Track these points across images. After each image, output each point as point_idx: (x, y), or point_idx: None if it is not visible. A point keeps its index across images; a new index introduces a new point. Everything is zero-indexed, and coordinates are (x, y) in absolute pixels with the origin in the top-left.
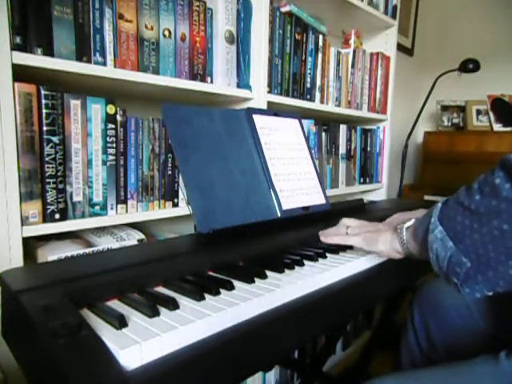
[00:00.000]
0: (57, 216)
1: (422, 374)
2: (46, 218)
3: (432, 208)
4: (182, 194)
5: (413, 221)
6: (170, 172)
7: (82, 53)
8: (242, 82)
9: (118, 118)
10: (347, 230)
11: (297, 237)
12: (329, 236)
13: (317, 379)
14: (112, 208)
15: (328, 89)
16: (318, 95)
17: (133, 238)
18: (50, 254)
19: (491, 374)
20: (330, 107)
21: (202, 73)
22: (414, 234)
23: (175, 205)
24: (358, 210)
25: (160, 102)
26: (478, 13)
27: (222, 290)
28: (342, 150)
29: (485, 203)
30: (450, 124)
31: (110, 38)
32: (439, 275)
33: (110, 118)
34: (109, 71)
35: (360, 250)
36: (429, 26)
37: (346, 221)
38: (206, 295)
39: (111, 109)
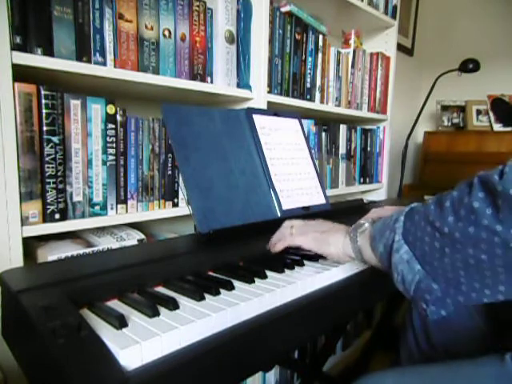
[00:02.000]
0: (57, 216)
1: (423, 370)
2: (46, 218)
3: (392, 218)
4: (182, 194)
5: (366, 225)
6: (170, 172)
7: (82, 53)
8: (242, 81)
9: (118, 117)
10: (291, 231)
11: None
12: (273, 243)
13: (317, 379)
14: (112, 208)
15: (328, 89)
16: (317, 95)
17: (133, 238)
18: (50, 254)
19: (496, 375)
20: (329, 107)
21: (202, 73)
22: (371, 244)
23: (175, 205)
24: (358, 210)
25: (160, 102)
26: (478, 13)
27: (222, 290)
28: (342, 150)
29: (460, 228)
30: (450, 124)
31: (110, 38)
32: (403, 294)
33: (110, 118)
34: (109, 71)
35: None
36: (429, 26)
37: (288, 222)
38: (206, 295)
39: (111, 109)
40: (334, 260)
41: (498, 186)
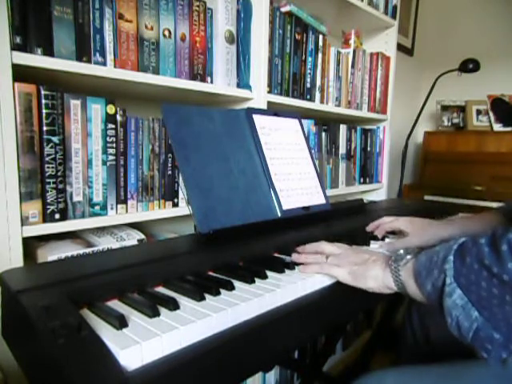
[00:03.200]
0: (57, 216)
1: (424, 370)
2: (46, 217)
3: (439, 256)
4: (182, 194)
5: (408, 257)
6: (170, 172)
7: (82, 53)
8: (242, 81)
9: (118, 117)
10: (328, 260)
11: (297, 237)
12: (307, 263)
13: (317, 379)
14: (112, 208)
15: (328, 89)
16: (317, 95)
17: (133, 238)
18: (50, 254)
19: (496, 376)
20: (330, 107)
21: (202, 73)
22: (416, 280)
23: (175, 205)
24: (358, 210)
25: (160, 102)
26: (478, 13)
27: (222, 290)
28: (342, 150)
29: None
30: (450, 124)
31: (110, 38)
32: (461, 340)
33: (110, 118)
34: (109, 71)
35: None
36: (429, 26)
37: (325, 246)
38: (207, 295)
39: (111, 109)
40: (373, 291)
41: None
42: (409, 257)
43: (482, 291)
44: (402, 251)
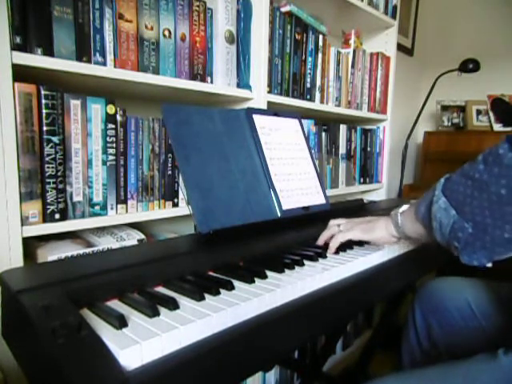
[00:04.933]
0: (57, 216)
1: (422, 373)
2: (46, 218)
3: (435, 184)
4: (182, 194)
5: (407, 206)
6: (170, 172)
7: (82, 53)
8: (242, 81)
9: (118, 117)
10: (340, 228)
11: (297, 237)
12: (323, 240)
13: (317, 379)
14: (112, 208)
15: (328, 89)
16: (317, 95)
17: (133, 238)
18: (50, 254)
19: (490, 370)
20: (330, 107)
21: (202, 73)
22: (412, 217)
23: (175, 205)
24: (358, 209)
25: (160, 102)
26: (478, 13)
27: (222, 290)
28: (342, 150)
29: (487, 171)
30: (449, 124)
31: (110, 38)
32: (441, 243)
33: (110, 118)
34: (109, 71)
35: (360, 251)
36: (429, 26)
37: (334, 221)
38: (206, 295)
39: (111, 109)
40: (380, 244)
41: None
42: (406, 206)
43: (459, 195)
44: (402, 205)
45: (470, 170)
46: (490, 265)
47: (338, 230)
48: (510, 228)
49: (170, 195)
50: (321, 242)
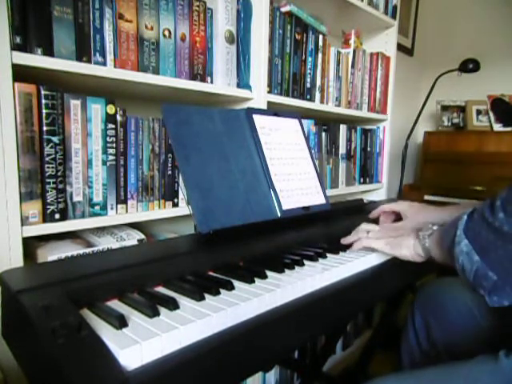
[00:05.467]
0: (57, 216)
1: (422, 374)
2: (46, 218)
3: (457, 219)
4: (182, 194)
5: (434, 228)
6: (170, 172)
7: (82, 53)
8: (242, 81)
9: (118, 117)
10: (368, 235)
11: (297, 237)
12: (349, 240)
13: (317, 379)
14: (112, 208)
15: (328, 89)
16: (317, 95)
17: (133, 238)
18: (50, 254)
19: (491, 372)
20: (330, 107)
21: (202, 73)
22: (438, 243)
23: (175, 205)
24: (358, 210)
25: (160, 102)
26: (478, 13)
27: (222, 290)
28: (342, 150)
29: (509, 222)
30: (450, 124)
31: (110, 38)
32: (467, 283)
33: (110, 118)
34: (109, 71)
35: (360, 251)
36: (429, 26)
37: (365, 226)
38: (206, 295)
39: (111, 109)
40: (406, 259)
41: None
42: (435, 227)
43: (482, 239)
44: (430, 225)
45: (490, 216)
46: None
47: (366, 236)
48: None
49: (170, 195)
50: (345, 242)
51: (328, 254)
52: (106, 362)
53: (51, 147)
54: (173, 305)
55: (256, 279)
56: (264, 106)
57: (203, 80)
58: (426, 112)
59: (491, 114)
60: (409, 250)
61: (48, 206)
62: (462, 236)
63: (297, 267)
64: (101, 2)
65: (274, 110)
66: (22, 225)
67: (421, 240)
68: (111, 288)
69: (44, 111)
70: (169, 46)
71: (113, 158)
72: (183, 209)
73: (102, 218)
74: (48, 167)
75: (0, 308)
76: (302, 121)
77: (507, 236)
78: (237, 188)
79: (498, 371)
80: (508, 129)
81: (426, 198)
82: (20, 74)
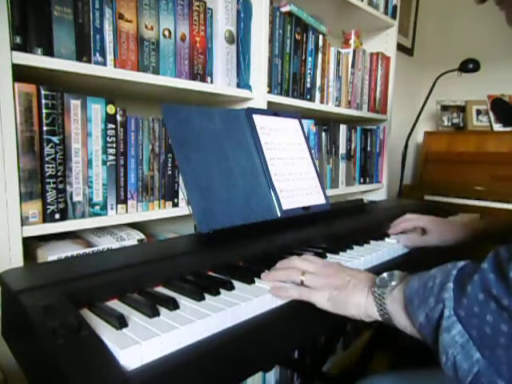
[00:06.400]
0: (57, 216)
1: (422, 372)
2: (46, 217)
3: (436, 282)
4: (182, 194)
5: (394, 284)
6: (170, 172)
7: (82, 53)
8: (242, 81)
9: (118, 117)
10: (302, 278)
11: (297, 237)
12: (280, 286)
13: (317, 379)
14: (112, 208)
15: (328, 89)
16: (318, 95)
17: (133, 238)
18: (50, 253)
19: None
20: (330, 107)
21: (202, 73)
22: (406, 308)
23: (175, 205)
24: (358, 210)
25: (160, 101)
26: (478, 13)
27: (221, 290)
28: (342, 150)
29: None
30: (450, 124)
31: (110, 38)
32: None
33: (110, 118)
34: (109, 71)
35: (360, 251)
36: (429, 26)
37: (299, 263)
38: (206, 295)
39: (111, 109)
40: (355, 319)
41: None
42: (395, 282)
43: (486, 327)
44: (385, 275)
45: (503, 296)
46: None
47: (300, 279)
48: None
49: (170, 195)
50: (267, 279)
51: (328, 254)
52: (105, 362)
53: (51, 147)
54: (173, 305)
55: (256, 279)
56: (264, 106)
57: (203, 80)
58: (425, 112)
59: (491, 114)
60: (358, 309)
61: (48, 206)
62: (452, 319)
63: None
64: (101, 2)
65: (273, 110)
66: (22, 225)
67: (376, 298)
68: (111, 288)
69: (44, 111)
70: (169, 46)
71: (113, 158)
72: (183, 209)
73: (102, 218)
74: (48, 167)
75: (0, 308)
76: (302, 121)
77: None
78: (237, 188)
79: None
80: (508, 129)
81: (426, 197)
82: (20, 74)
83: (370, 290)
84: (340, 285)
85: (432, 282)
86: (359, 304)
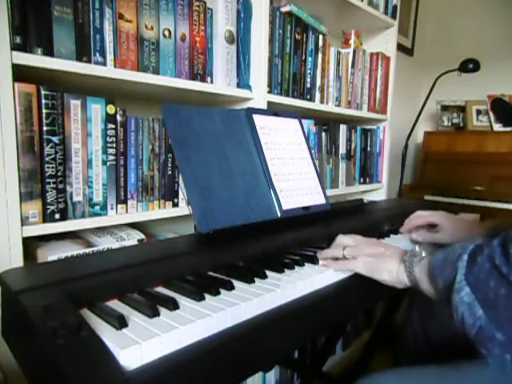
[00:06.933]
0: (57, 216)
1: (421, 371)
2: (46, 217)
3: (455, 254)
4: (182, 194)
5: (424, 255)
6: (170, 172)
7: (82, 53)
8: (242, 81)
9: (118, 117)
10: (344, 252)
11: (297, 237)
12: (326, 260)
13: (317, 379)
14: (112, 208)
15: (328, 89)
16: (317, 95)
17: (133, 238)
18: (50, 253)
19: (494, 375)
20: (330, 107)
21: (201, 73)
22: (429, 277)
23: (175, 205)
24: (358, 210)
25: (160, 101)
26: (478, 13)
27: (221, 290)
28: (342, 150)
29: None
30: (450, 124)
31: (110, 38)
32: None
33: (110, 118)
34: (109, 71)
35: None
36: (429, 26)
37: (341, 239)
38: (206, 295)
39: (111, 109)
40: (386, 284)
41: None
42: (424, 254)
43: (489, 291)
44: (417, 248)
45: (504, 266)
46: None
47: (342, 254)
48: None
49: (170, 195)
50: (322, 257)
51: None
52: (106, 362)
53: (51, 147)
54: (173, 305)
55: (256, 279)
56: (264, 106)
57: (203, 80)
58: (425, 112)
59: (491, 114)
60: (390, 275)
61: (48, 206)
62: (462, 283)
63: (297, 267)
64: (101, 2)
65: (273, 110)
66: (22, 225)
67: (407, 266)
68: (111, 288)
69: (44, 111)
70: (169, 46)
71: (113, 158)
72: (183, 209)
73: (102, 218)
74: (48, 167)
75: (0, 308)
76: (302, 121)
77: None
78: (237, 188)
79: (503, 376)
80: (508, 129)
81: (426, 198)
82: (20, 73)
83: (402, 259)
84: (376, 253)
85: (452, 254)
86: (391, 270)
